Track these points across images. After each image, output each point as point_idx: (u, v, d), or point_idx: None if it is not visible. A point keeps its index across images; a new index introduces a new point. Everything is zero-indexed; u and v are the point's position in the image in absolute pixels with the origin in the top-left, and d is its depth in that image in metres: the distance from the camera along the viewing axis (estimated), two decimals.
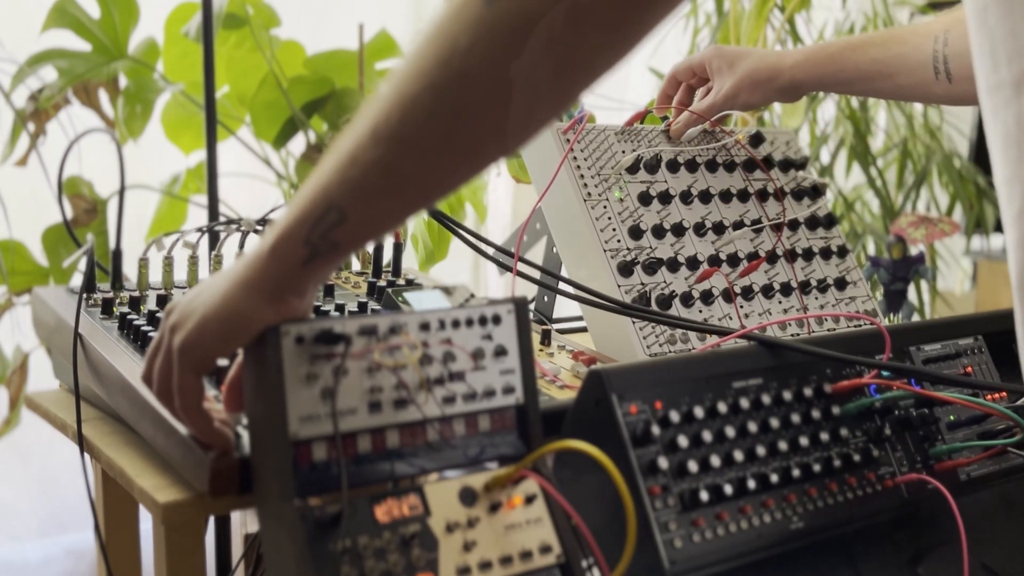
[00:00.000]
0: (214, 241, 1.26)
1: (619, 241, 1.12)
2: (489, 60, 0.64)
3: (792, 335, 1.17)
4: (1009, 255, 0.72)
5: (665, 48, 2.49)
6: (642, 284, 1.11)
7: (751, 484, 0.83)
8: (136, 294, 1.06)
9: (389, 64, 2.25)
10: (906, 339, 1.02)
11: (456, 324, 0.77)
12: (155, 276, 1.10)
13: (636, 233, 1.13)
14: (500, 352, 0.78)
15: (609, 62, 0.66)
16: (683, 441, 0.82)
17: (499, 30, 0.63)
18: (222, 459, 0.76)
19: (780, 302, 1.19)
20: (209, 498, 0.77)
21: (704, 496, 0.80)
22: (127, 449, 0.92)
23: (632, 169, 1.18)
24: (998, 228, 2.83)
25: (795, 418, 0.88)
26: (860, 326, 1.18)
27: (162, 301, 1.05)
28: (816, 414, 0.89)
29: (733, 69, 1.24)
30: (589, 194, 1.14)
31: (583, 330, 1.23)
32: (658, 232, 1.15)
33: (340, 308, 1.07)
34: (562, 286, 1.11)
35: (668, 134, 1.25)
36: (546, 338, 1.11)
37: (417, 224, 1.88)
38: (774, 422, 0.87)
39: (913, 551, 0.92)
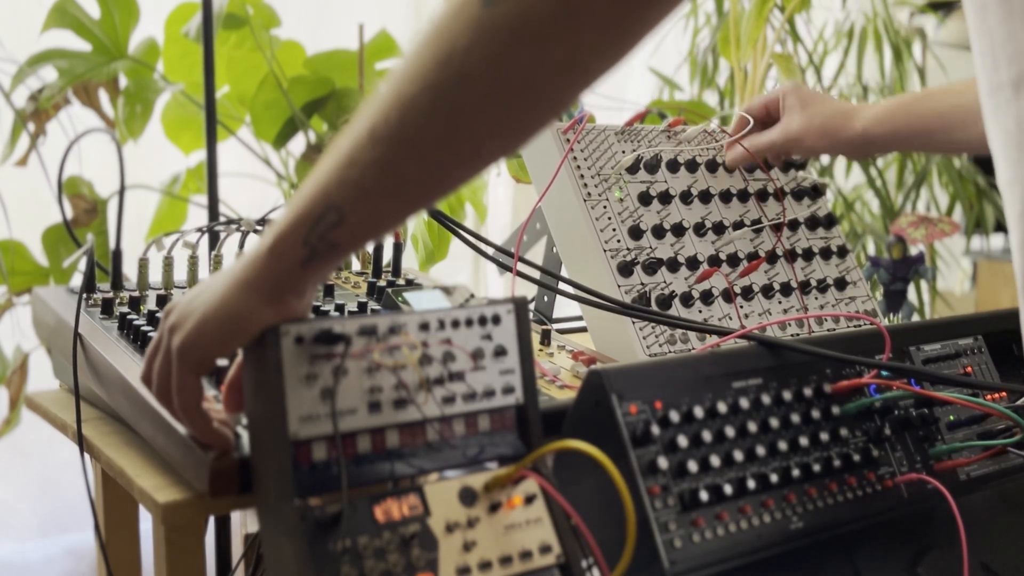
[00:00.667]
0: (214, 241, 1.26)
1: (619, 241, 1.12)
2: (488, 61, 0.64)
3: (792, 335, 1.17)
4: (1013, 256, 0.72)
5: (665, 48, 2.49)
6: (642, 284, 1.11)
7: (751, 484, 0.83)
8: (136, 294, 1.06)
9: (389, 64, 2.24)
10: (906, 339, 1.02)
11: (456, 324, 0.77)
12: (155, 276, 1.10)
13: (636, 233, 1.13)
14: (500, 352, 0.78)
15: (608, 62, 0.66)
16: (683, 441, 0.82)
17: (498, 30, 0.63)
18: (222, 459, 0.76)
19: (780, 302, 1.19)
20: (209, 498, 0.77)
21: (704, 496, 0.80)
22: (127, 449, 0.92)
23: (632, 169, 1.18)
24: (998, 228, 2.83)
25: (795, 418, 0.88)
26: (860, 326, 1.18)
27: (162, 301, 1.05)
28: (816, 414, 0.89)
29: (806, 110, 1.20)
30: (589, 194, 1.14)
31: (583, 330, 1.23)
32: (658, 232, 1.15)
33: (340, 308, 1.07)
34: (562, 286, 1.11)
35: (668, 134, 1.25)
36: (546, 338, 1.11)
37: (417, 224, 1.88)
38: (774, 422, 0.87)
39: (913, 551, 0.92)
